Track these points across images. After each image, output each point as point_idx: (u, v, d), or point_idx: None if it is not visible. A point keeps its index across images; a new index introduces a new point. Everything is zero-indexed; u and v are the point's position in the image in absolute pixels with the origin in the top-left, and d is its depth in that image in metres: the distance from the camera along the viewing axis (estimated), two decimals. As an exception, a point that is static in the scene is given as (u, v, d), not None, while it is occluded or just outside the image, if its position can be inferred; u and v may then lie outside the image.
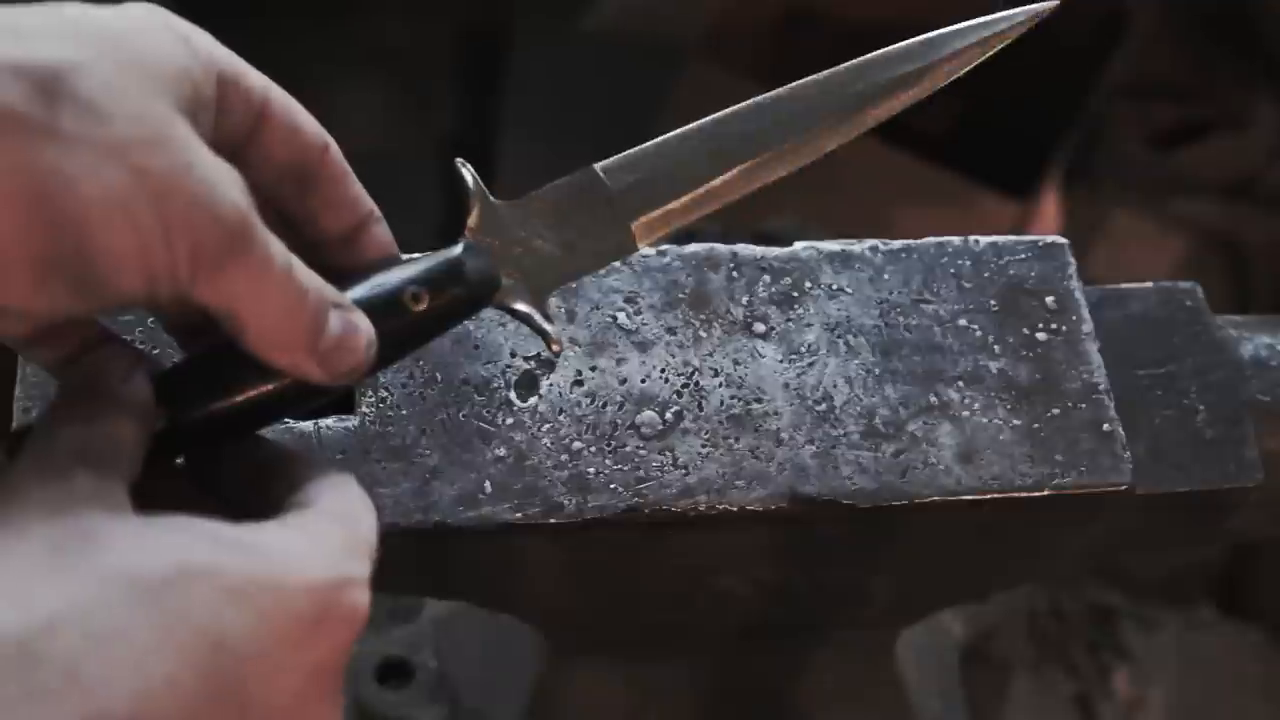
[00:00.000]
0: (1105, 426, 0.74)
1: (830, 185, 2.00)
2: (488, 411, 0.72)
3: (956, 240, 0.79)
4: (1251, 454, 0.77)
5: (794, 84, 0.70)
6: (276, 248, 0.55)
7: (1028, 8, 0.72)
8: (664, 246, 0.77)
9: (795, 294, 0.77)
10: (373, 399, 0.71)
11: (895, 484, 0.72)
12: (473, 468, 0.70)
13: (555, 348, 0.65)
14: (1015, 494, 0.72)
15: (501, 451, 0.71)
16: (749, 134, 0.68)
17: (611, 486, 0.70)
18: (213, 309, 0.55)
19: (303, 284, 0.56)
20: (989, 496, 0.72)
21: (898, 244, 0.79)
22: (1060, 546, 0.81)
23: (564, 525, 0.69)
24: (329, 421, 0.70)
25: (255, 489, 0.58)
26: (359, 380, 0.60)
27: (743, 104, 0.70)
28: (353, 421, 0.71)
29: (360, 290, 0.60)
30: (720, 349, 0.75)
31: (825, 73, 0.70)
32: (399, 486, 0.69)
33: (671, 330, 0.75)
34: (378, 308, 0.60)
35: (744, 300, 0.76)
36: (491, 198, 0.65)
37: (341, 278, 0.60)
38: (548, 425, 0.72)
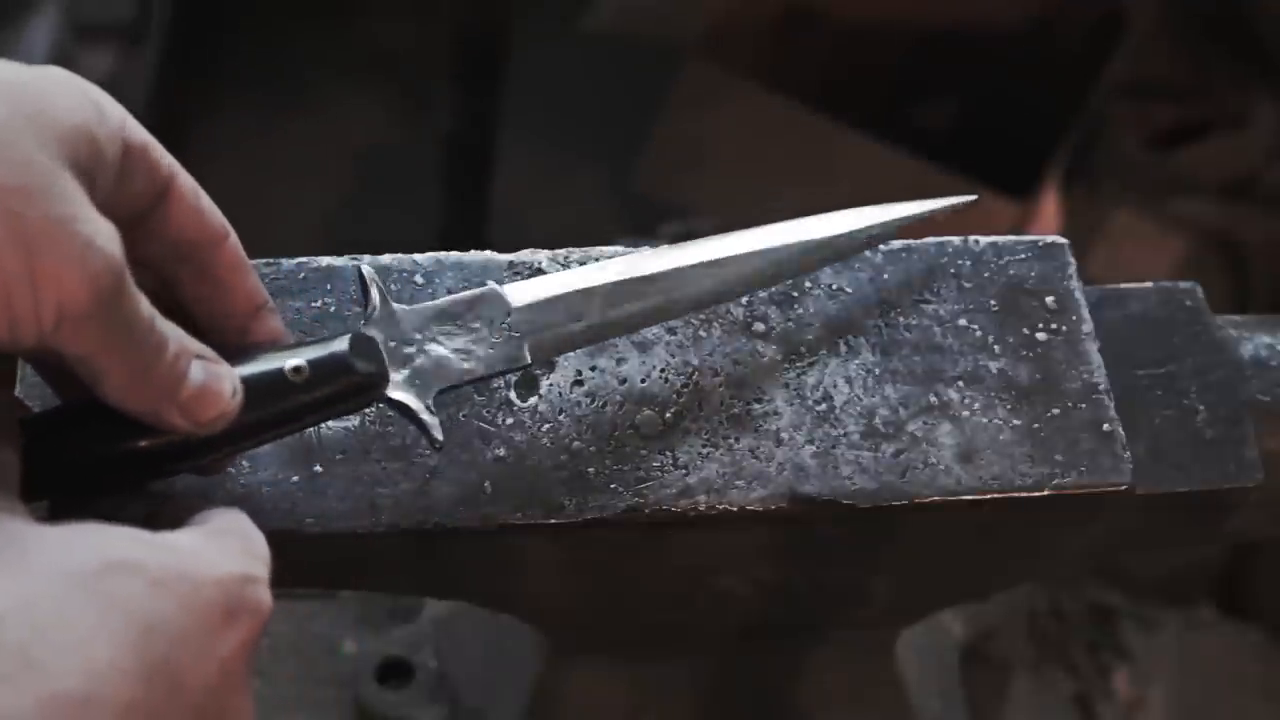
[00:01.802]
0: (1105, 426, 0.74)
1: (830, 185, 2.00)
2: (488, 411, 0.72)
3: (956, 240, 0.79)
4: (1251, 454, 0.77)
5: (720, 238, 0.73)
6: (143, 303, 0.57)
7: (952, 199, 0.78)
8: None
9: (795, 294, 0.77)
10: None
11: (895, 484, 0.72)
12: (473, 468, 0.70)
13: (437, 436, 0.65)
14: (1015, 494, 0.72)
15: (501, 451, 0.71)
16: (657, 279, 0.71)
17: (611, 486, 0.70)
18: (70, 357, 0.56)
19: (164, 335, 0.58)
20: (989, 496, 0.72)
21: (898, 244, 0.79)
22: (1060, 546, 0.81)
23: (564, 525, 0.69)
24: (329, 422, 0.70)
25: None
26: (231, 447, 0.62)
27: (661, 248, 0.73)
28: (353, 421, 0.70)
29: (243, 367, 0.61)
30: (720, 349, 0.75)
31: (751, 238, 0.73)
32: (399, 486, 0.69)
33: (671, 330, 0.75)
34: (258, 379, 0.62)
35: (744, 300, 0.76)
36: (390, 301, 0.67)
37: (227, 355, 0.62)
38: (548, 425, 0.72)
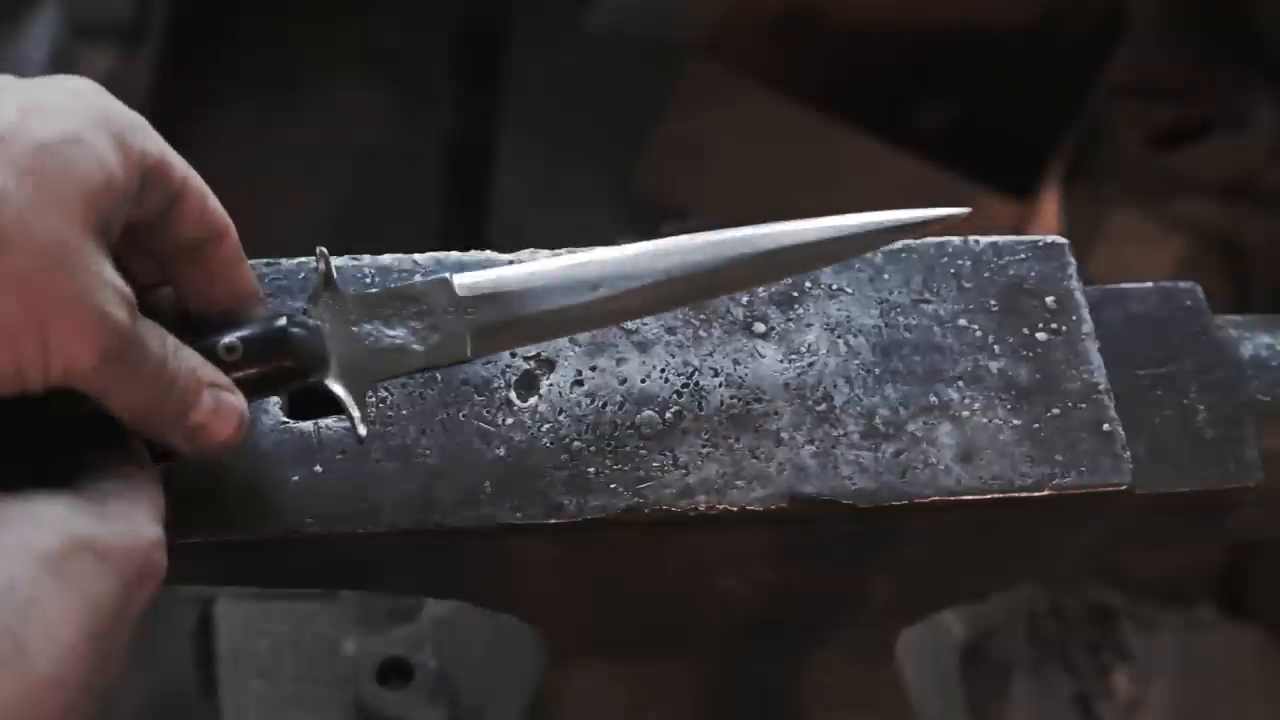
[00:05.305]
0: (1105, 426, 0.74)
1: (830, 185, 2.00)
2: (488, 411, 0.72)
3: (956, 240, 0.79)
4: (1251, 454, 0.77)
5: (697, 236, 0.70)
6: (153, 344, 0.59)
7: (942, 210, 0.73)
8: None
9: (795, 294, 0.77)
10: (373, 399, 0.71)
11: (895, 484, 0.72)
12: (473, 468, 0.70)
13: (361, 432, 0.65)
14: (1015, 494, 0.72)
15: (501, 451, 0.71)
16: (624, 270, 0.69)
17: (611, 486, 0.70)
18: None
19: (173, 374, 0.60)
20: (989, 496, 0.72)
21: (898, 244, 0.79)
22: (1060, 546, 0.81)
23: (564, 525, 0.69)
24: (329, 421, 0.70)
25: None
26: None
27: (635, 244, 0.71)
28: (353, 421, 0.70)
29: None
30: (720, 349, 0.75)
31: (730, 236, 0.70)
32: (399, 486, 0.69)
33: (671, 330, 0.75)
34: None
35: (744, 300, 0.76)
36: (337, 286, 0.67)
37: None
38: (548, 425, 0.72)
